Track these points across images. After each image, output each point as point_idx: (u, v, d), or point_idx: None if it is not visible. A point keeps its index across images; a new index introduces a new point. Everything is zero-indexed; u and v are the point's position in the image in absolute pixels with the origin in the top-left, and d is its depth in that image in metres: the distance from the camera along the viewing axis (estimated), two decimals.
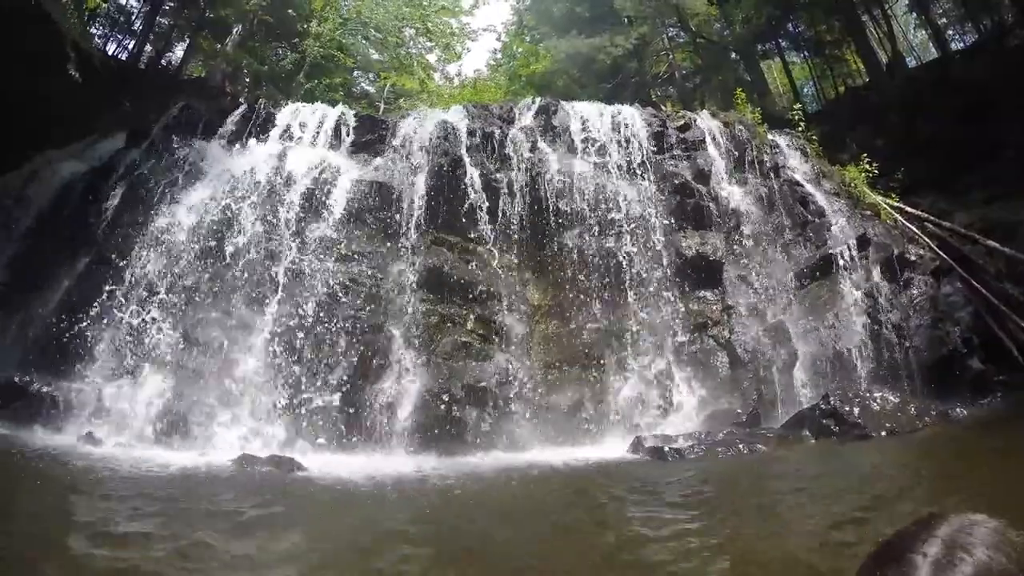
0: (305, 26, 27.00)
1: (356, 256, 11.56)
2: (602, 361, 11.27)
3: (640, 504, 6.83)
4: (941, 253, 13.97)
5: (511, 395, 10.70)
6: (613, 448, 9.97)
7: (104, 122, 15.42)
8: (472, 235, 11.78)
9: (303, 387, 10.41)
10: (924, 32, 30.18)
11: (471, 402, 10.49)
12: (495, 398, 10.60)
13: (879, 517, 5.69)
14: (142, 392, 9.96)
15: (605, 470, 8.74)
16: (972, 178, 15.63)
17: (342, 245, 11.56)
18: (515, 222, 12.09)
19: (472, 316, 11.24)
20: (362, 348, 10.77)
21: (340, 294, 11.11)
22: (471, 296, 11.35)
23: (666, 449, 9.21)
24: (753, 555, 4.88)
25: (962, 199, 15.63)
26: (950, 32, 28.55)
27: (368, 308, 11.11)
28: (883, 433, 9.54)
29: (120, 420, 9.65)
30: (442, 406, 10.37)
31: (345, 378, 10.53)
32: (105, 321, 10.61)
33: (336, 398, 10.37)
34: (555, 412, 10.81)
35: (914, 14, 29.89)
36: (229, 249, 11.29)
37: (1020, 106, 14.90)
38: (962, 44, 27.73)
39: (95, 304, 10.74)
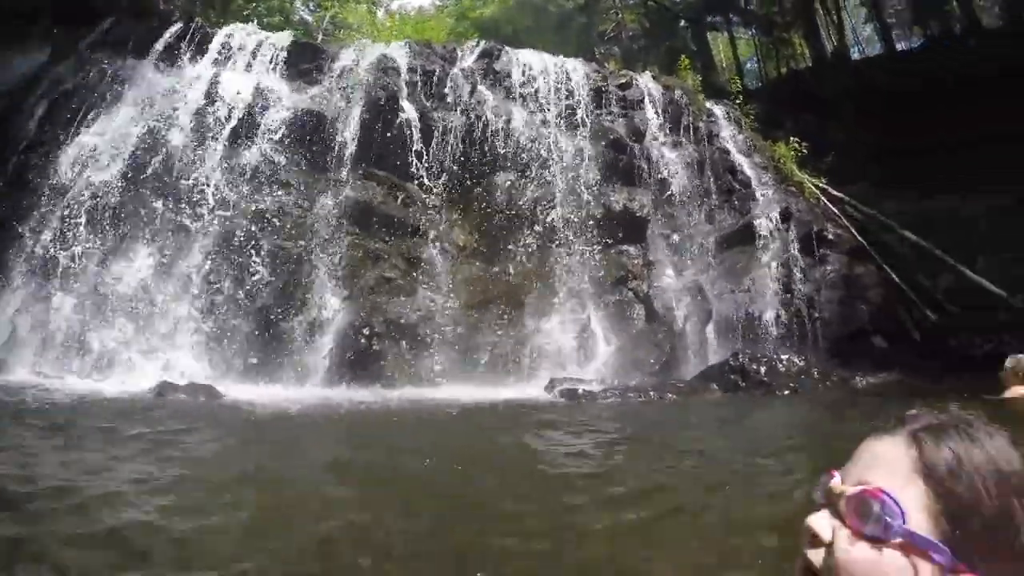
0: None
1: (285, 185, 11.41)
2: (523, 305, 11.44)
3: (556, 438, 6.89)
4: (859, 237, 14.51)
5: (431, 332, 10.76)
6: (529, 390, 10.12)
7: (26, 37, 14.68)
8: (403, 172, 11.71)
9: (224, 316, 10.33)
10: (872, 27, 30.96)
11: (391, 337, 10.54)
12: (415, 334, 10.67)
13: (783, 454, 5.94)
14: (58, 320, 9.72)
15: (521, 409, 8.79)
16: (899, 171, 16.22)
17: (271, 173, 11.38)
18: (447, 163, 12.07)
19: (397, 252, 11.24)
20: (285, 279, 10.71)
21: (266, 223, 10.97)
22: (397, 232, 11.35)
23: (580, 391, 9.42)
24: (667, 483, 4.93)
25: (887, 190, 16.17)
26: (896, 32, 29.49)
27: (293, 239, 11.00)
28: (787, 392, 9.91)
29: (34, 349, 9.45)
30: (362, 339, 10.40)
31: (267, 308, 10.48)
32: (19, 245, 10.29)
33: (257, 328, 10.32)
34: (474, 352, 10.93)
35: (864, 8, 30.70)
36: (155, 172, 11.00)
37: (956, 113, 15.58)
38: (907, 44, 28.76)
39: (10, 227, 10.39)
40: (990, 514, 0.98)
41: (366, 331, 10.48)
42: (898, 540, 0.96)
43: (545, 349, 11.14)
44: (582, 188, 12.47)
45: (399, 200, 11.59)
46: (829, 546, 1.00)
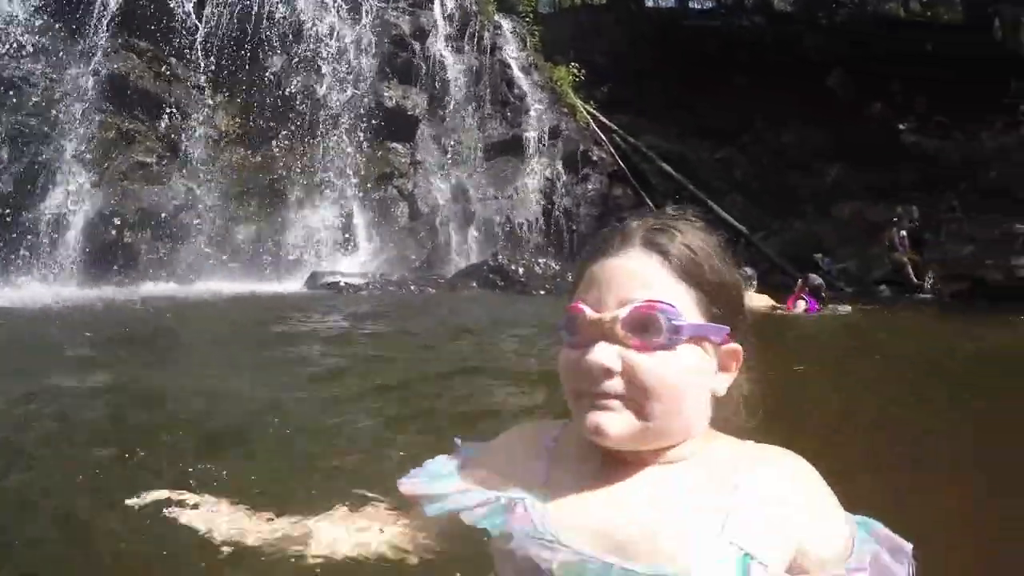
0: None
1: (32, 50, 10.30)
2: (285, 197, 11.34)
3: (315, 326, 6.94)
4: (620, 162, 15.70)
5: (189, 223, 10.46)
6: (291, 284, 10.24)
7: None
8: (168, 46, 10.93)
9: None
10: None
11: (145, 228, 10.16)
12: (172, 225, 10.33)
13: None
14: None
15: (283, 301, 8.87)
16: (672, 115, 17.67)
17: (15, 34, 10.22)
18: (218, 40, 11.32)
19: (154, 135, 10.66)
20: (27, 162, 9.89)
21: (7, 95, 9.97)
22: (156, 112, 10.71)
23: (342, 284, 9.69)
24: (421, 366, 5.11)
25: (657, 129, 17.51)
26: None
27: (38, 115, 10.07)
28: (542, 292, 10.59)
29: None
30: (113, 231, 9.96)
31: (5, 196, 9.64)
32: None
33: None
34: (234, 245, 10.78)
35: None
36: None
37: (752, 87, 17.26)
38: (699, 5, 30.61)
39: None
40: (729, 285, 1.11)
41: (117, 221, 10.03)
42: (686, 337, 1.03)
43: (307, 243, 11.22)
44: (356, 81, 12.33)
45: (161, 77, 10.85)
46: (624, 372, 1.02)
